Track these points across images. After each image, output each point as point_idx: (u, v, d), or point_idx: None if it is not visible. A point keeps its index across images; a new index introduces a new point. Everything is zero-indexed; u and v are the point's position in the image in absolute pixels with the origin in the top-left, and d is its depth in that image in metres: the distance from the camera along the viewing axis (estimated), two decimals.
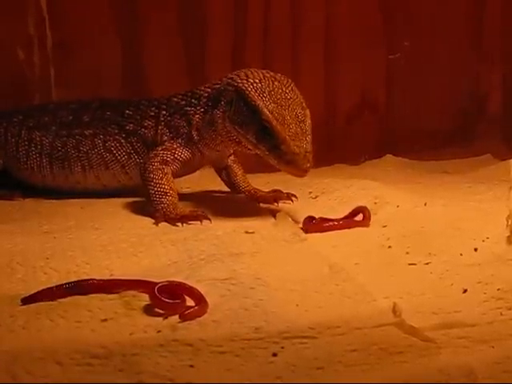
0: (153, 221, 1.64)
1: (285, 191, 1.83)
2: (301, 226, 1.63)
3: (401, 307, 1.18)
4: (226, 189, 1.92)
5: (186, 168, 1.78)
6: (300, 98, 1.65)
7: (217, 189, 1.97)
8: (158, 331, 1.14)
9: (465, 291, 1.29)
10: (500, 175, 1.96)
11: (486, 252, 1.45)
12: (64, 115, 1.93)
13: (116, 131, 1.86)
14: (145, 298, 1.22)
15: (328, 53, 2.43)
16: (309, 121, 1.62)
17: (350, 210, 1.67)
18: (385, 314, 1.17)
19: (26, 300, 1.23)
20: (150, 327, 1.15)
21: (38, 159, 1.92)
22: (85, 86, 2.16)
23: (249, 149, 1.69)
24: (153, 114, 1.82)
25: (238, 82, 1.66)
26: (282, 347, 1.09)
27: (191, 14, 2.33)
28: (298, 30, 2.39)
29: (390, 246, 1.51)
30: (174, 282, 1.26)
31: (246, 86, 1.64)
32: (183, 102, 1.78)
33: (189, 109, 1.77)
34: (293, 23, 2.39)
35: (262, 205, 1.81)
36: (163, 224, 1.62)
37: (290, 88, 1.65)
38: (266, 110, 1.60)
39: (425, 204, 1.73)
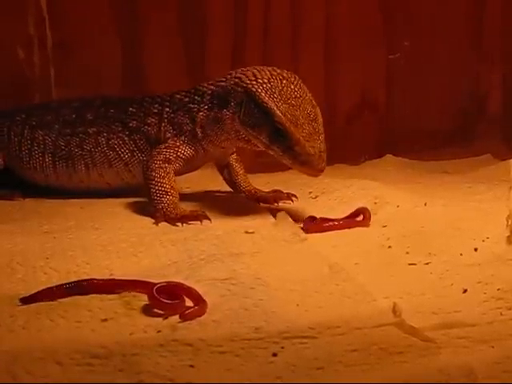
0: (153, 221, 1.64)
1: (285, 191, 1.83)
2: (301, 225, 1.63)
3: (401, 307, 1.18)
4: (226, 189, 1.92)
5: (189, 165, 1.78)
6: (309, 95, 1.64)
7: (217, 189, 1.97)
8: (158, 331, 1.14)
9: (465, 291, 1.29)
10: (500, 175, 1.96)
11: (485, 252, 1.45)
12: (67, 113, 1.93)
13: (120, 129, 1.85)
14: (145, 298, 1.22)
15: (328, 53, 2.43)
16: (320, 119, 1.62)
17: (350, 210, 1.67)
18: (385, 314, 1.17)
19: (26, 300, 1.23)
20: (150, 327, 1.15)
21: (41, 158, 1.92)
22: (85, 86, 2.16)
23: (258, 147, 1.68)
24: (156, 111, 1.81)
25: (247, 83, 1.65)
26: (282, 347, 1.09)
27: (191, 14, 2.33)
28: (298, 29, 2.39)
29: (389, 246, 1.51)
30: (171, 282, 1.26)
31: (256, 87, 1.63)
32: (186, 99, 1.78)
33: (192, 106, 1.76)
34: (293, 23, 2.39)
35: (262, 205, 1.81)
36: (163, 224, 1.62)
37: (298, 86, 1.64)
38: (278, 111, 1.59)
39: (425, 204, 1.73)
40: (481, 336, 1.14)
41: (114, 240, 1.50)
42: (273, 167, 1.96)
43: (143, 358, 1.04)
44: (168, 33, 2.30)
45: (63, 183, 1.92)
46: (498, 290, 1.28)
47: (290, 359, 1.06)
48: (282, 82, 1.63)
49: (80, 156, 1.88)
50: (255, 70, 1.67)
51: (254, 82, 1.64)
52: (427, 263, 1.43)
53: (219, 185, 1.96)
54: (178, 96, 1.80)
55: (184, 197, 1.75)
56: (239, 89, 1.67)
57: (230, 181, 1.90)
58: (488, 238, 1.51)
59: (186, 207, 1.68)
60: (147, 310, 1.20)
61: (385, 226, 1.62)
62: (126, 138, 1.84)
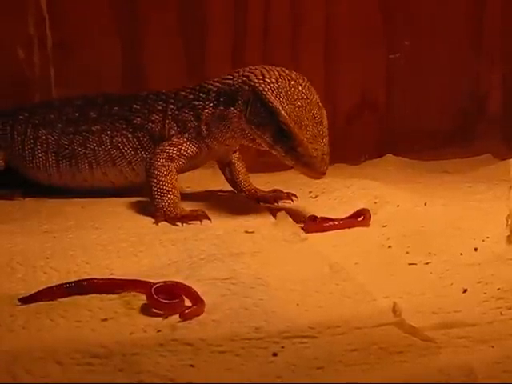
0: (153, 220, 1.64)
1: (285, 191, 1.83)
2: (302, 225, 1.63)
3: (401, 307, 1.18)
4: (226, 189, 1.92)
5: (193, 163, 1.77)
6: (316, 97, 1.64)
7: (217, 188, 1.97)
8: (158, 331, 1.14)
9: (465, 291, 1.29)
10: (500, 175, 1.96)
11: (485, 252, 1.45)
12: (70, 112, 1.92)
13: (124, 126, 1.84)
14: (145, 298, 1.22)
15: (328, 53, 2.43)
16: (325, 121, 1.62)
17: (350, 210, 1.67)
18: (385, 314, 1.17)
19: (26, 300, 1.23)
20: (149, 327, 1.15)
21: (44, 157, 1.91)
22: (85, 86, 2.16)
23: (262, 146, 1.68)
24: (160, 108, 1.81)
25: (254, 82, 1.64)
26: (282, 347, 1.09)
27: (191, 14, 2.33)
28: (298, 29, 2.39)
29: (389, 246, 1.51)
30: (168, 282, 1.26)
31: (263, 86, 1.62)
32: (191, 96, 1.77)
33: (197, 103, 1.75)
34: (293, 23, 2.39)
35: (262, 204, 1.81)
36: (163, 223, 1.62)
37: (306, 87, 1.63)
38: (283, 111, 1.58)
39: (425, 204, 1.73)
40: (481, 336, 1.14)
41: (114, 240, 1.50)
42: (273, 167, 1.96)
43: (143, 358, 1.04)
44: (168, 33, 2.30)
45: (67, 182, 1.92)
46: (498, 289, 1.27)
47: (290, 359, 1.06)
48: (289, 83, 1.62)
49: (83, 155, 1.87)
50: (263, 70, 1.67)
51: (262, 81, 1.63)
52: (427, 263, 1.43)
53: (220, 185, 1.96)
54: (183, 93, 1.79)
55: (184, 196, 1.75)
56: (246, 87, 1.66)
57: (232, 180, 1.90)
58: (488, 237, 1.51)
59: (187, 207, 1.68)
60: (147, 310, 1.20)
61: (385, 226, 1.62)
62: (129, 136, 1.83)
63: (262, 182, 1.93)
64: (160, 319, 1.17)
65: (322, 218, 1.64)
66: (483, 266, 1.38)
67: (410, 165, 2.35)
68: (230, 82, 1.71)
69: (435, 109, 2.54)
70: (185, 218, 1.62)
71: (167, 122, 1.78)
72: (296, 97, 1.61)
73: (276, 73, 1.65)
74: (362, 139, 2.46)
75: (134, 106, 1.84)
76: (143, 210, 1.71)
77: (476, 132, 2.58)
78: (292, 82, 1.62)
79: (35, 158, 1.93)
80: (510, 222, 1.50)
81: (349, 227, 1.62)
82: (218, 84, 1.74)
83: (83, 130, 1.88)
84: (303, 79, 1.65)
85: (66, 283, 1.26)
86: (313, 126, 1.59)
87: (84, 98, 1.95)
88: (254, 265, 1.37)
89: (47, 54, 2.24)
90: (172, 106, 1.79)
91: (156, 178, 1.68)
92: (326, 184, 1.88)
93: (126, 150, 1.84)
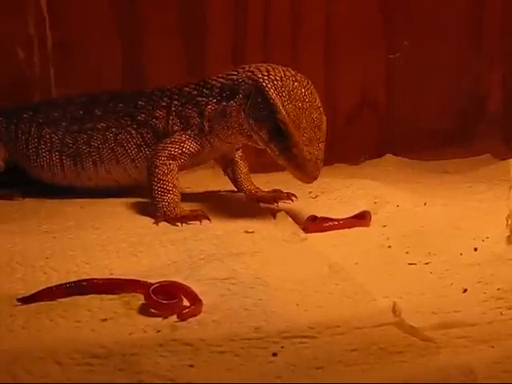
0: (152, 220, 1.64)
1: (285, 191, 1.83)
2: (302, 225, 1.63)
3: (400, 307, 1.18)
4: (226, 189, 1.92)
5: (195, 160, 1.77)
6: (318, 101, 1.62)
7: (217, 189, 1.97)
8: (158, 331, 1.14)
9: (465, 291, 1.29)
10: (500, 175, 1.96)
11: (485, 252, 1.45)
12: (74, 110, 1.91)
13: (128, 123, 1.83)
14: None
15: (328, 53, 2.43)
16: (324, 127, 1.60)
17: (350, 210, 1.67)
18: (384, 314, 1.17)
19: (25, 300, 1.23)
20: (149, 327, 1.15)
21: (48, 157, 1.91)
22: (85, 86, 2.16)
23: (259, 144, 1.68)
24: (164, 104, 1.79)
25: (258, 77, 1.63)
26: (282, 347, 1.09)
27: (191, 14, 2.33)
28: (298, 29, 2.39)
29: (389, 246, 1.51)
30: (164, 281, 1.25)
31: (267, 82, 1.62)
32: (195, 92, 1.76)
33: (200, 99, 1.74)
34: (293, 23, 2.39)
35: (261, 205, 1.81)
36: (163, 224, 1.62)
37: (309, 90, 1.62)
38: (283, 110, 1.57)
39: (425, 204, 1.73)
40: (481, 336, 1.14)
41: (113, 240, 1.50)
42: (273, 167, 1.95)
43: (143, 358, 1.04)
44: (168, 33, 2.30)
45: (71, 181, 1.91)
46: (498, 289, 1.28)
47: (290, 359, 1.06)
48: (293, 84, 1.61)
49: (88, 153, 1.86)
50: (269, 67, 1.66)
51: (266, 77, 1.63)
52: (427, 263, 1.43)
53: (219, 185, 1.96)
54: (187, 89, 1.78)
55: (184, 197, 1.75)
56: (250, 81, 1.65)
57: (233, 179, 1.89)
58: (488, 237, 1.51)
59: (186, 207, 1.68)
60: (146, 310, 1.20)
61: (385, 226, 1.62)
62: (133, 132, 1.82)
63: (262, 182, 1.93)
64: (160, 319, 1.17)
65: (321, 218, 1.64)
66: (483, 266, 1.39)
67: (409, 165, 2.35)
68: (235, 77, 1.70)
69: (435, 109, 2.54)
70: (184, 219, 1.62)
71: (171, 118, 1.77)
72: (298, 98, 1.60)
73: (281, 72, 1.64)
74: (361, 139, 2.46)
75: (139, 102, 1.83)
76: (143, 210, 1.71)
77: (476, 132, 2.57)
78: (296, 83, 1.62)
79: (39, 158, 1.92)
80: (510, 222, 1.50)
81: (349, 227, 1.62)
82: (222, 80, 1.73)
83: (88, 128, 1.87)
84: (307, 82, 1.64)
85: (65, 283, 1.26)
86: (311, 129, 1.57)
87: (88, 95, 1.94)
88: (254, 265, 1.37)
89: (47, 54, 2.24)
90: (176, 102, 1.78)
91: (157, 177, 1.67)
92: (325, 184, 1.88)
93: (129, 147, 1.83)
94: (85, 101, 1.92)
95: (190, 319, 1.17)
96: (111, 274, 1.34)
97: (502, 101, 2.60)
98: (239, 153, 1.87)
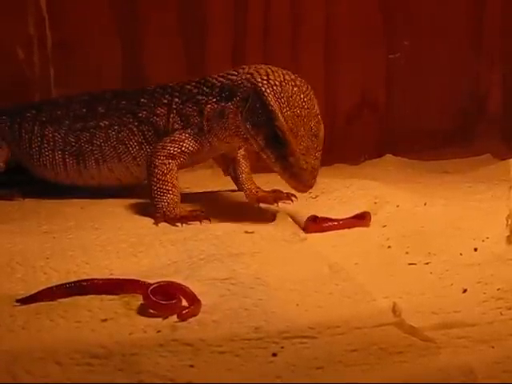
0: (152, 221, 1.64)
1: (285, 191, 1.83)
2: (302, 225, 1.63)
3: (400, 307, 1.18)
4: (226, 188, 1.92)
5: (195, 158, 1.76)
6: (317, 108, 1.60)
7: (216, 189, 1.97)
8: (158, 331, 1.14)
9: (465, 291, 1.29)
10: (500, 175, 1.96)
11: (485, 252, 1.45)
12: (77, 108, 1.90)
13: (130, 120, 1.82)
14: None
15: (328, 53, 2.43)
16: (322, 136, 1.58)
17: (349, 210, 1.67)
18: (384, 314, 1.17)
19: (25, 300, 1.23)
20: (149, 327, 1.15)
21: (51, 156, 1.90)
22: (85, 86, 2.15)
23: (253, 147, 1.67)
24: (166, 101, 1.78)
25: (257, 81, 1.61)
26: (282, 347, 1.09)
27: (191, 14, 2.33)
28: (298, 29, 2.39)
29: (389, 246, 1.51)
30: (162, 282, 1.25)
31: (266, 87, 1.59)
32: (195, 90, 1.75)
33: (200, 98, 1.73)
34: (293, 23, 2.39)
35: (261, 205, 1.81)
36: (163, 224, 1.62)
37: (308, 96, 1.59)
38: (281, 117, 1.55)
39: (425, 204, 1.73)
40: (481, 336, 1.14)
41: (113, 240, 1.50)
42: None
43: (143, 358, 1.04)
44: (168, 33, 2.30)
45: (74, 180, 1.90)
46: (498, 289, 1.28)
47: (290, 359, 1.06)
48: (292, 89, 1.58)
49: (90, 151, 1.86)
50: (269, 70, 1.64)
51: (265, 82, 1.60)
52: (427, 263, 1.43)
53: (219, 185, 1.96)
54: (188, 86, 1.77)
55: (184, 197, 1.75)
56: (249, 84, 1.63)
57: (235, 177, 1.89)
58: (488, 237, 1.51)
59: (186, 207, 1.68)
60: (146, 311, 1.20)
61: (385, 226, 1.62)
62: (134, 129, 1.81)
63: (262, 182, 1.93)
64: (160, 319, 1.17)
65: (321, 218, 1.64)
66: (483, 266, 1.39)
67: (409, 165, 2.35)
68: (234, 77, 1.69)
69: (435, 109, 2.54)
70: (184, 219, 1.62)
71: (172, 116, 1.76)
72: (297, 104, 1.57)
73: (281, 75, 1.61)
74: (361, 139, 2.46)
75: (142, 99, 1.82)
76: (143, 210, 1.71)
77: (476, 132, 2.58)
78: (295, 89, 1.59)
79: (42, 157, 1.92)
80: (510, 222, 1.50)
81: (349, 227, 1.62)
82: (221, 79, 1.72)
83: (91, 126, 1.86)
84: (307, 87, 1.61)
85: (65, 283, 1.26)
86: (308, 137, 1.55)
87: (91, 93, 1.94)
88: (254, 265, 1.37)
89: (47, 54, 2.24)
90: (177, 100, 1.77)
91: (156, 177, 1.67)
92: (325, 184, 1.88)
93: (130, 145, 1.82)
94: (88, 99, 1.92)
95: (190, 319, 1.17)
96: (111, 275, 1.34)
97: (502, 101, 2.60)
98: (241, 152, 1.86)
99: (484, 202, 1.78)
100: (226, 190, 1.93)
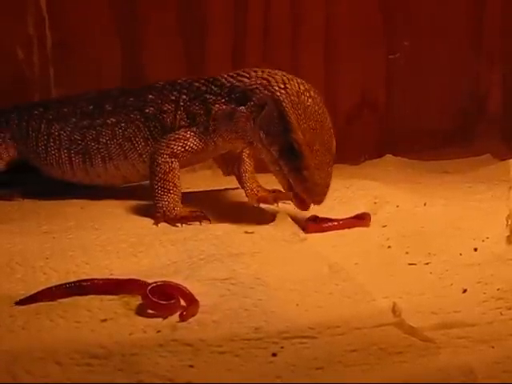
0: (152, 221, 1.64)
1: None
2: (302, 225, 1.63)
3: (400, 307, 1.18)
4: (226, 189, 1.92)
5: (198, 157, 1.75)
6: (329, 121, 1.57)
7: (217, 189, 1.97)
8: (158, 331, 1.14)
9: (464, 291, 1.29)
10: (500, 175, 1.96)
11: (485, 252, 1.45)
12: (84, 105, 1.89)
13: (137, 117, 1.81)
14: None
15: (328, 53, 2.43)
16: (334, 150, 1.56)
17: (349, 210, 1.67)
18: (384, 314, 1.17)
19: (25, 300, 1.23)
20: (149, 327, 1.15)
21: (57, 154, 1.90)
22: (85, 86, 2.15)
23: (257, 152, 1.66)
24: (173, 98, 1.76)
25: (275, 89, 1.58)
26: (282, 347, 1.09)
27: (191, 14, 2.33)
28: (298, 29, 2.39)
29: (389, 246, 1.51)
30: (160, 282, 1.25)
31: (284, 96, 1.56)
32: (204, 88, 1.73)
33: (208, 96, 1.71)
34: (293, 23, 2.39)
35: (261, 205, 1.81)
36: (163, 224, 1.62)
37: (321, 109, 1.57)
38: (299, 130, 1.52)
39: (425, 204, 1.73)
40: (481, 336, 1.14)
41: (113, 240, 1.50)
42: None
43: (143, 358, 1.04)
44: (168, 33, 2.30)
45: (80, 179, 1.90)
46: (498, 289, 1.28)
47: (290, 359, 1.06)
48: (308, 100, 1.56)
49: (96, 149, 1.85)
50: (285, 78, 1.61)
51: (283, 91, 1.57)
52: (427, 263, 1.43)
53: (219, 185, 1.96)
54: (197, 84, 1.75)
55: (184, 197, 1.75)
56: (265, 91, 1.60)
57: (238, 175, 1.88)
58: (488, 237, 1.51)
59: (186, 208, 1.68)
60: (146, 311, 1.20)
61: (385, 226, 1.62)
62: (141, 126, 1.80)
63: (262, 182, 1.93)
64: (159, 320, 1.17)
65: (321, 218, 1.64)
66: (483, 266, 1.39)
67: (409, 165, 2.35)
68: (247, 80, 1.66)
69: (435, 109, 2.54)
70: (184, 219, 1.61)
71: (179, 113, 1.74)
72: (312, 117, 1.55)
73: (297, 85, 1.59)
74: (361, 139, 2.46)
75: (150, 96, 1.81)
76: (143, 210, 1.71)
77: (476, 132, 2.58)
78: (310, 100, 1.56)
79: (49, 155, 1.91)
80: (510, 222, 1.50)
81: (348, 227, 1.62)
82: (232, 80, 1.69)
83: (97, 124, 1.85)
84: (320, 99, 1.59)
85: (65, 283, 1.26)
86: (322, 152, 1.53)
87: (99, 91, 1.93)
88: (254, 265, 1.37)
89: (47, 54, 2.24)
90: (184, 97, 1.75)
91: (158, 176, 1.66)
92: None
93: (137, 142, 1.80)
94: (95, 96, 1.91)
95: (190, 319, 1.17)
96: (111, 275, 1.34)
97: (502, 101, 2.60)
98: (246, 150, 1.85)
99: (484, 202, 1.78)
100: (226, 190, 1.93)
